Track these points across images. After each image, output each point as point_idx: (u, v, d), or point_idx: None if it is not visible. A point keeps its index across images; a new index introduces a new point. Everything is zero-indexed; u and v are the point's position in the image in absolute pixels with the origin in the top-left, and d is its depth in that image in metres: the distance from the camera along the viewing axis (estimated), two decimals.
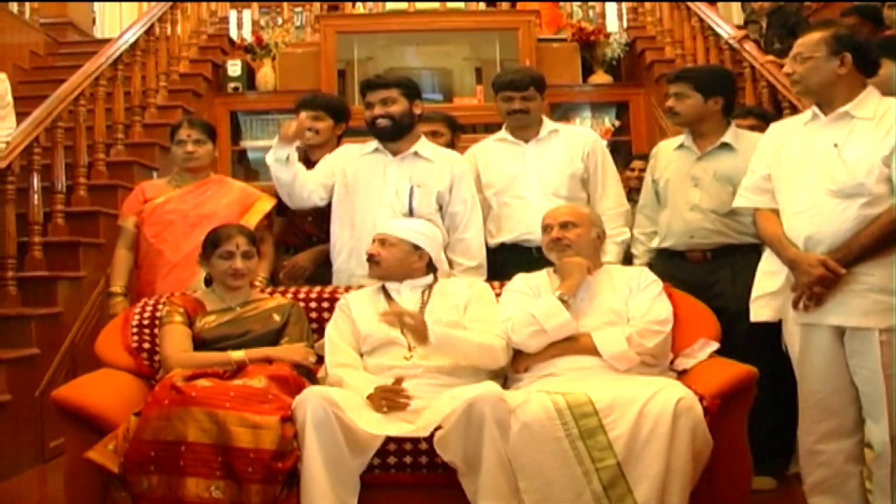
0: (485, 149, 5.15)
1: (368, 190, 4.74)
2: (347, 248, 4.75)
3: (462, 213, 4.78)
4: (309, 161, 5.25)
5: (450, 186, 4.78)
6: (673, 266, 4.62)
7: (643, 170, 6.50)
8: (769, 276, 3.92)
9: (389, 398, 3.71)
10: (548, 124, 5.08)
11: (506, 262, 4.72)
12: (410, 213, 4.65)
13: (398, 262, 4.21)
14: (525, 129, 5.03)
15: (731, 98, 4.75)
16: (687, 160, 4.73)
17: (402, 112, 4.74)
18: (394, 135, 4.76)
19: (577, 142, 5.04)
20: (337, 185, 4.81)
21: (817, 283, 3.62)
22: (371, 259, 4.22)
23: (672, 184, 4.74)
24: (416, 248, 4.25)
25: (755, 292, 3.99)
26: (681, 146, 4.79)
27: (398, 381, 3.76)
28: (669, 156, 4.82)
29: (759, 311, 3.95)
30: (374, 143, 4.83)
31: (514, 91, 4.94)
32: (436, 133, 5.57)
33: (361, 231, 4.66)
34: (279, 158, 4.64)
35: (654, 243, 4.82)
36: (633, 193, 5.81)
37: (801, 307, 3.71)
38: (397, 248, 4.22)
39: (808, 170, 3.73)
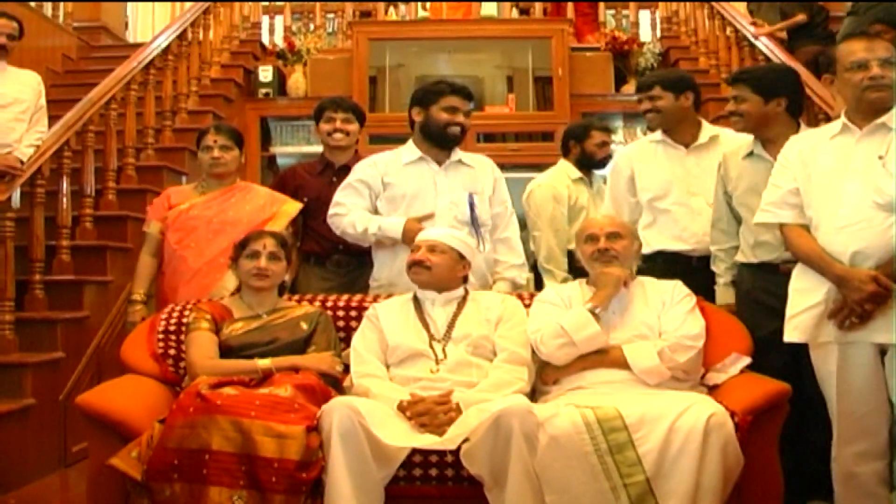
0: (640, 150, 5.03)
1: (422, 201, 4.70)
2: (402, 259, 4.58)
3: (503, 213, 4.87)
4: (330, 164, 5.25)
5: (493, 189, 4.82)
6: (766, 280, 4.31)
7: None
8: (803, 294, 3.78)
9: (430, 417, 3.68)
10: (707, 129, 4.93)
11: (664, 271, 4.53)
12: (473, 221, 4.65)
13: (447, 270, 4.17)
14: (677, 130, 4.89)
15: (796, 98, 4.47)
16: (760, 169, 4.38)
17: (468, 125, 4.81)
18: (455, 145, 4.79)
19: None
20: (381, 199, 4.76)
21: (869, 301, 3.51)
22: (421, 265, 4.15)
23: (750, 196, 4.40)
24: (462, 257, 4.22)
25: (790, 311, 3.84)
26: (750, 154, 4.49)
27: (446, 395, 3.74)
28: (739, 166, 4.53)
29: (792, 332, 3.81)
30: (416, 152, 4.79)
31: (640, 92, 4.90)
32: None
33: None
34: (382, 239, 4.71)
35: (740, 258, 4.49)
36: None
37: (846, 325, 3.60)
38: (448, 256, 4.18)
39: (848, 183, 3.63)
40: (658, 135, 4.96)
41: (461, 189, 4.72)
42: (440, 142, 4.76)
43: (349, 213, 4.71)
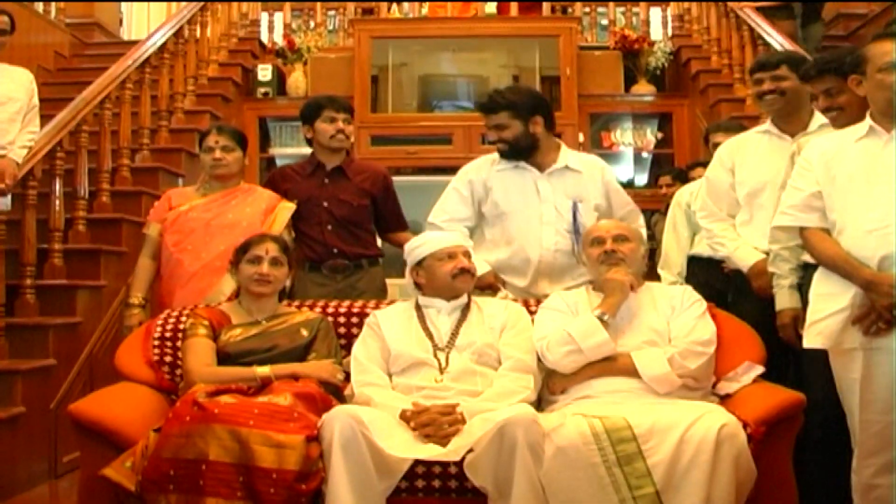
0: (743, 142, 4.73)
1: (525, 208, 4.64)
2: (507, 267, 4.65)
3: (627, 217, 4.67)
4: (321, 165, 5.14)
5: (605, 194, 4.71)
6: None
7: (669, 185, 6.37)
8: (827, 299, 3.67)
9: (434, 428, 3.58)
10: (818, 118, 4.55)
11: None
12: (576, 230, 4.56)
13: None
14: (788, 118, 4.58)
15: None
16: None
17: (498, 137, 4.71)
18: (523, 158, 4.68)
19: None
20: (486, 203, 4.72)
21: None
22: (467, 272, 4.11)
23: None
24: None
25: (811, 316, 3.73)
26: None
27: (452, 406, 3.65)
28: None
29: (815, 338, 3.69)
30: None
31: (763, 72, 4.57)
32: None
33: (523, 251, 4.60)
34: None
35: (807, 257, 4.07)
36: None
37: (872, 331, 3.49)
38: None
39: (878, 187, 3.53)
40: (767, 125, 4.69)
41: (564, 197, 4.63)
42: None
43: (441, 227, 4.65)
